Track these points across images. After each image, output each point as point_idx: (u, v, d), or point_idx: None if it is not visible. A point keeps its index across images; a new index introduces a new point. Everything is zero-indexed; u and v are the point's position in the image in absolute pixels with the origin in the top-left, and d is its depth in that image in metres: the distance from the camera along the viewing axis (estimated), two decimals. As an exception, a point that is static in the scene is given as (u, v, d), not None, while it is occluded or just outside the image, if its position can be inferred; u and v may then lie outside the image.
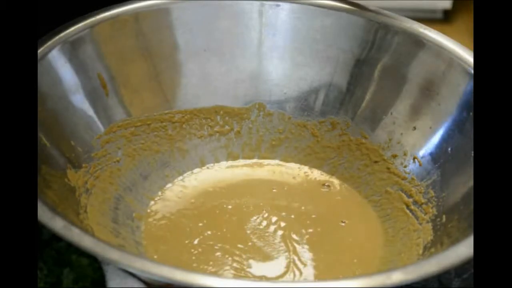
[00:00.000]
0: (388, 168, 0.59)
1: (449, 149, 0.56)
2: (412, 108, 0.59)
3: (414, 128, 0.58)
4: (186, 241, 0.54)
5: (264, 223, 0.56)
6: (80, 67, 0.56)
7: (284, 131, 0.63)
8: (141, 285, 0.43)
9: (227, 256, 0.53)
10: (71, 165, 0.53)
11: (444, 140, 0.56)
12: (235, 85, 0.62)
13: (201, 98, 0.62)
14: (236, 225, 0.56)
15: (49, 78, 0.54)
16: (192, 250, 0.53)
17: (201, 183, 0.59)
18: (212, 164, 0.61)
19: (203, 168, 0.61)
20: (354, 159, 0.61)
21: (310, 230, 0.56)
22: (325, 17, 0.61)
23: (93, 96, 0.57)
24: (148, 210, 0.57)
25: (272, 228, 0.56)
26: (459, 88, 0.56)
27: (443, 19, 1.57)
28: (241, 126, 0.62)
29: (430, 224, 0.54)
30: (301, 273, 0.52)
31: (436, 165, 0.56)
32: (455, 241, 0.47)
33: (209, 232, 0.55)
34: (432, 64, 0.58)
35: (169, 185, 0.59)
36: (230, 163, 0.62)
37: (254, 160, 0.62)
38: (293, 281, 0.51)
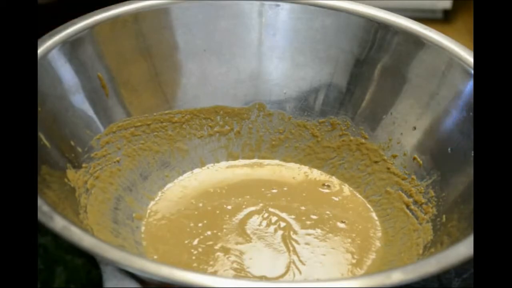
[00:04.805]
0: (388, 168, 0.59)
1: (449, 149, 0.56)
2: (412, 108, 0.59)
3: (414, 128, 0.58)
4: (186, 241, 0.54)
5: (264, 223, 0.56)
6: (80, 67, 0.56)
7: (284, 131, 0.63)
8: (138, 285, 0.43)
9: (227, 256, 0.53)
10: (71, 165, 0.53)
11: (444, 140, 0.56)
12: (235, 85, 0.62)
13: (201, 98, 0.62)
14: (236, 225, 0.56)
15: (49, 78, 0.54)
16: (192, 250, 0.53)
17: (201, 183, 0.59)
18: (212, 164, 0.61)
19: (203, 168, 0.61)
20: (354, 159, 0.61)
21: (310, 230, 0.56)
22: (325, 17, 0.61)
23: (93, 96, 0.57)
24: (148, 210, 0.57)
25: (272, 228, 0.56)
26: (459, 88, 0.56)
27: (443, 19, 1.57)
28: (241, 126, 0.62)
29: (430, 224, 0.54)
30: (301, 273, 0.52)
31: (436, 165, 0.56)
32: (455, 241, 0.47)
33: (209, 232, 0.55)
34: (432, 64, 0.58)
35: (169, 185, 0.59)
36: (230, 163, 0.62)
37: (254, 160, 0.62)
38: (293, 281, 0.51)
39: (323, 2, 0.61)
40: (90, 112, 0.56)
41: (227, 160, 0.62)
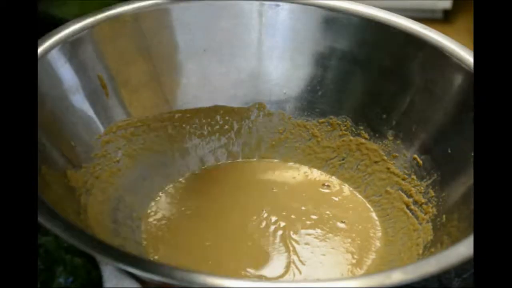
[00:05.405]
0: (388, 168, 0.59)
1: (449, 149, 0.56)
2: (412, 108, 0.59)
3: (414, 128, 0.58)
4: (186, 241, 0.54)
5: (264, 223, 0.56)
6: (80, 67, 0.56)
7: (284, 131, 0.63)
8: (138, 285, 0.43)
9: (227, 256, 0.53)
10: (71, 165, 0.53)
11: (444, 140, 0.56)
12: (235, 85, 0.62)
13: (201, 98, 0.62)
14: (236, 225, 0.56)
15: (49, 78, 0.54)
16: (192, 250, 0.53)
17: (201, 183, 0.59)
18: (212, 164, 0.61)
19: (203, 168, 0.61)
20: (354, 159, 0.61)
21: (310, 230, 0.56)
22: (325, 17, 0.61)
23: (93, 97, 0.57)
24: (148, 210, 0.57)
25: (272, 228, 0.56)
26: (459, 88, 0.56)
27: (443, 19, 1.57)
28: (241, 126, 0.62)
29: (430, 224, 0.54)
30: (301, 273, 0.52)
31: (436, 165, 0.56)
32: (455, 241, 0.47)
33: (209, 232, 0.55)
34: (432, 64, 0.58)
35: (169, 185, 0.59)
36: (230, 163, 0.62)
37: (254, 160, 0.62)
38: (293, 281, 0.51)
39: (323, 2, 0.61)
40: (90, 112, 0.56)
41: (227, 160, 0.62)
